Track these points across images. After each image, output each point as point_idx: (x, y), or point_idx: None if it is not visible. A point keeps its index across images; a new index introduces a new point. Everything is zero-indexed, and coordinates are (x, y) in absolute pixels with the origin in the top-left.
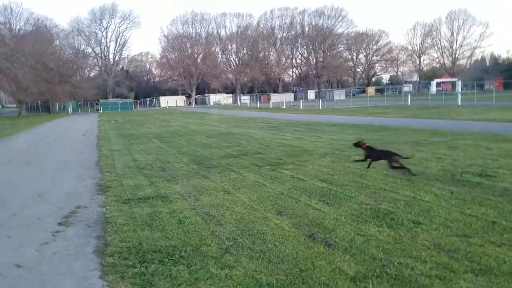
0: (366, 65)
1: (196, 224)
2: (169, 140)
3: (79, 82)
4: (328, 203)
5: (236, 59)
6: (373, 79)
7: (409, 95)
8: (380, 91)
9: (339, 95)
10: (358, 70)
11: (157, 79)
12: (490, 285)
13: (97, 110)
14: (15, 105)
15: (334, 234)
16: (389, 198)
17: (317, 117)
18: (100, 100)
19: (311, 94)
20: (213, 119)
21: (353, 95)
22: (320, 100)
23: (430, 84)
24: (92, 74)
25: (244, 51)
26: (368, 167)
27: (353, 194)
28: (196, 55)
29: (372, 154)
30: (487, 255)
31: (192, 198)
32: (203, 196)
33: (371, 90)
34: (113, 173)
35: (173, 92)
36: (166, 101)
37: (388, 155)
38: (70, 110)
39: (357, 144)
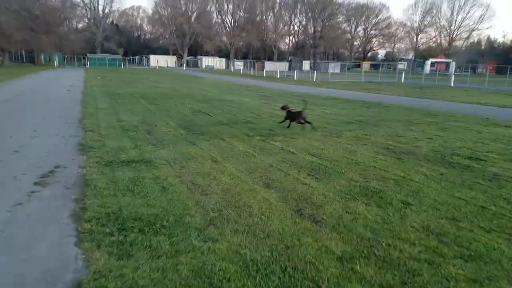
0: (364, 38)
1: (180, 193)
2: (158, 102)
3: (66, 34)
4: (317, 178)
5: (232, 21)
6: (369, 53)
7: (403, 73)
8: (374, 66)
9: (334, 68)
10: (355, 43)
11: (148, 36)
12: (480, 272)
13: (84, 64)
14: None
15: (322, 210)
16: (379, 176)
17: (311, 90)
18: (87, 55)
19: (306, 65)
20: (205, 83)
21: (348, 69)
22: (315, 72)
23: (424, 64)
24: (80, 26)
25: (241, 13)
26: (288, 126)
27: (343, 170)
28: (190, 13)
29: (290, 116)
30: (477, 241)
31: (177, 165)
32: (189, 163)
33: (366, 65)
34: (96, 132)
35: (164, 52)
36: (156, 60)
37: (297, 115)
38: (56, 63)
39: (283, 108)
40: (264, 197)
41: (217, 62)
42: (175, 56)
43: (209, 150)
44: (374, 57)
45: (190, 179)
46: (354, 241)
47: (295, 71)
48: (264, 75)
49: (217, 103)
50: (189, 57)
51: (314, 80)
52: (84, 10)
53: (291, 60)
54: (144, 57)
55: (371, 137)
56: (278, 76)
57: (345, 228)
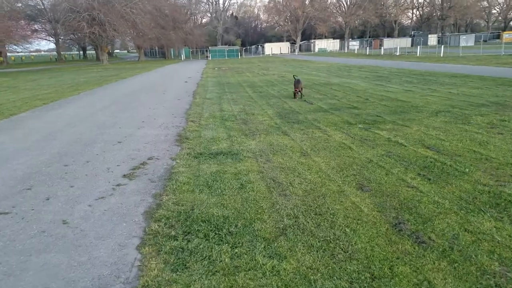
0: (505, 5)
1: (257, 192)
2: (262, 90)
3: (190, 29)
4: (429, 180)
5: (348, 0)
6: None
7: None
8: None
9: (466, 40)
10: (493, 11)
11: (264, 25)
12: None
13: (206, 57)
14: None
15: (430, 226)
16: None
17: (436, 66)
18: (209, 47)
19: (432, 39)
20: (314, 67)
21: (485, 41)
22: (442, 46)
23: None
24: (204, 20)
25: None
26: (294, 97)
27: (467, 169)
28: None
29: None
30: None
31: (263, 158)
32: (276, 156)
33: (508, 35)
34: (196, 122)
35: (279, 39)
36: (271, 48)
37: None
38: (182, 56)
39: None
40: (354, 202)
41: (331, 44)
42: (288, 43)
43: (301, 141)
44: None
45: (272, 175)
46: (472, 276)
47: (418, 47)
48: (382, 53)
49: (321, 87)
50: (302, 42)
51: (441, 55)
52: (207, 5)
53: (414, 35)
54: (259, 46)
55: (510, 123)
56: (398, 54)
57: (460, 255)
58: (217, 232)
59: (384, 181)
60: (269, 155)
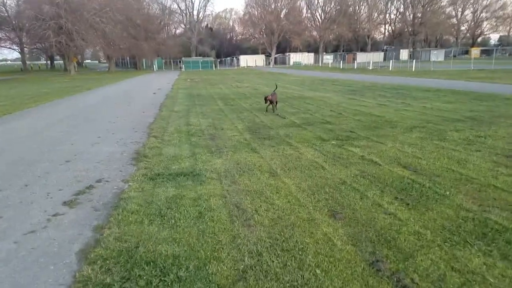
0: (472, 23)
1: (217, 222)
2: (234, 102)
3: (163, 40)
4: (407, 205)
5: (322, 14)
6: (479, 39)
7: None
8: (486, 52)
9: (436, 55)
10: (462, 28)
11: (239, 37)
12: None
13: (180, 68)
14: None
15: (412, 264)
16: (503, 203)
17: (409, 80)
18: (183, 58)
19: (404, 54)
20: (288, 80)
21: (454, 56)
22: (414, 60)
23: None
24: (178, 31)
25: (332, 5)
26: (266, 110)
27: (447, 192)
28: (279, 10)
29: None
30: None
31: (228, 180)
32: (242, 177)
33: (475, 51)
34: (159, 138)
35: (254, 51)
36: (246, 60)
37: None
38: (155, 67)
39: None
40: (326, 233)
41: (305, 58)
42: (263, 55)
43: (271, 159)
44: (485, 43)
45: (236, 200)
46: None
47: (391, 61)
48: (355, 67)
49: (295, 101)
50: (277, 55)
51: (413, 69)
52: (181, 16)
53: (386, 50)
54: (234, 58)
55: (487, 140)
56: (370, 68)
57: None
58: (162, 278)
59: (358, 207)
60: (235, 176)
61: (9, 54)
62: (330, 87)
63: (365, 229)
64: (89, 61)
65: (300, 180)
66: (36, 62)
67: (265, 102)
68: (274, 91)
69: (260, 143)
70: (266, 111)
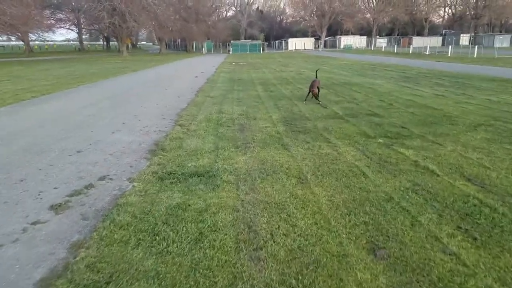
0: None
1: (219, 249)
2: (274, 88)
3: (214, 22)
4: (475, 240)
5: None
6: None
7: None
8: None
9: (502, 41)
10: None
11: (289, 19)
12: None
13: (228, 51)
14: None
15: None
16: None
17: (470, 68)
18: (231, 41)
19: (464, 39)
20: (336, 64)
21: None
22: (476, 46)
23: None
24: (228, 14)
25: None
26: (306, 99)
27: None
28: None
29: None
30: None
31: (247, 185)
32: (264, 182)
33: None
34: (184, 127)
35: (304, 34)
36: (294, 43)
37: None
38: (204, 50)
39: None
40: (360, 282)
41: (357, 41)
42: (312, 38)
43: (302, 159)
44: None
45: (250, 217)
46: None
47: (450, 46)
48: (410, 51)
49: (340, 87)
50: (327, 38)
51: (475, 55)
52: None
53: (445, 34)
54: (283, 41)
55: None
56: (427, 53)
57: None
58: None
59: (408, 239)
60: (255, 181)
61: (67, 34)
62: (382, 73)
63: (416, 279)
64: (144, 42)
65: (334, 191)
66: (94, 43)
67: (309, 93)
68: (315, 77)
69: (294, 137)
70: (306, 100)
